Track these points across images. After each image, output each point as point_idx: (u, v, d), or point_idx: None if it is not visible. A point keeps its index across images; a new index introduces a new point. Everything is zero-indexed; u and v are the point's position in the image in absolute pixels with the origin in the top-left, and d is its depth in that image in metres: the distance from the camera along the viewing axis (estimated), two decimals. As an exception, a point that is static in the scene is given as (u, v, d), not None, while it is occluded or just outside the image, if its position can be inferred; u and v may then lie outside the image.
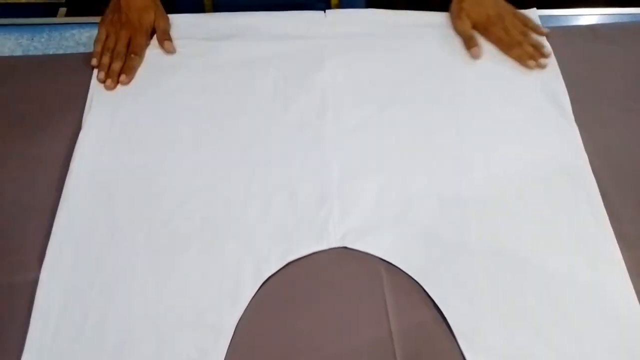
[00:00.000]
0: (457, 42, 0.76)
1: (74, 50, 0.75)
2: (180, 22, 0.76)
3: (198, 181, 0.61)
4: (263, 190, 0.61)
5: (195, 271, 0.55)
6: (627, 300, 0.53)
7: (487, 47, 0.75)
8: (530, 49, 0.73)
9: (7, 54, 0.74)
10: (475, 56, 0.73)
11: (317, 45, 0.75)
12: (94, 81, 0.69)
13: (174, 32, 0.75)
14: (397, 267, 0.56)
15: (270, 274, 0.55)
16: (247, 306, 0.53)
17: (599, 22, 0.81)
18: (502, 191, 0.61)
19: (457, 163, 0.63)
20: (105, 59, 0.70)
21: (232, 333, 0.51)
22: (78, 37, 0.77)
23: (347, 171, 0.62)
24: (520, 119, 0.68)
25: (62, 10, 0.89)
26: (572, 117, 0.67)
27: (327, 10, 0.79)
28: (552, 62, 0.72)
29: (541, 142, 0.65)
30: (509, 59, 0.73)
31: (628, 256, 0.56)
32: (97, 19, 0.79)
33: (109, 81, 0.68)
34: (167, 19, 0.75)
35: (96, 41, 0.72)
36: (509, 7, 0.77)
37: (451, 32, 0.77)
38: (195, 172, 0.62)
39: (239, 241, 0.57)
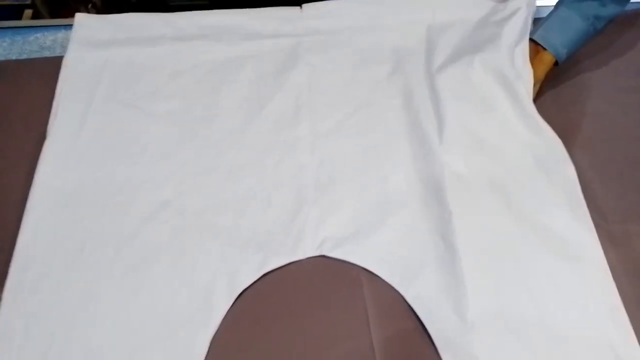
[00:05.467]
0: (438, 36, 0.73)
1: (38, 55, 0.72)
2: (149, 22, 0.72)
3: (167, 191, 0.58)
4: (236, 198, 0.58)
5: (165, 286, 0.52)
6: (608, 297, 0.51)
7: (467, 46, 0.72)
8: None
9: (-32, 60, 0.71)
10: None
11: (292, 43, 0.72)
12: (59, 88, 0.66)
13: (142, 33, 0.72)
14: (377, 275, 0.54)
15: (245, 287, 0.53)
16: (222, 322, 0.51)
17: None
18: (482, 188, 0.59)
19: (436, 162, 0.61)
20: None
21: (206, 350, 0.49)
22: (42, 40, 0.74)
23: (323, 174, 0.60)
24: (498, 113, 0.65)
25: (28, 12, 0.86)
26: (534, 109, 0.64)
27: (303, 5, 0.76)
28: (524, 57, 0.69)
29: (520, 137, 0.63)
30: (486, 56, 0.70)
31: (614, 253, 0.55)
32: (63, 21, 0.76)
33: None
34: None
35: None
36: None
37: (433, 25, 0.74)
38: (165, 181, 0.59)
39: (211, 253, 0.54)
